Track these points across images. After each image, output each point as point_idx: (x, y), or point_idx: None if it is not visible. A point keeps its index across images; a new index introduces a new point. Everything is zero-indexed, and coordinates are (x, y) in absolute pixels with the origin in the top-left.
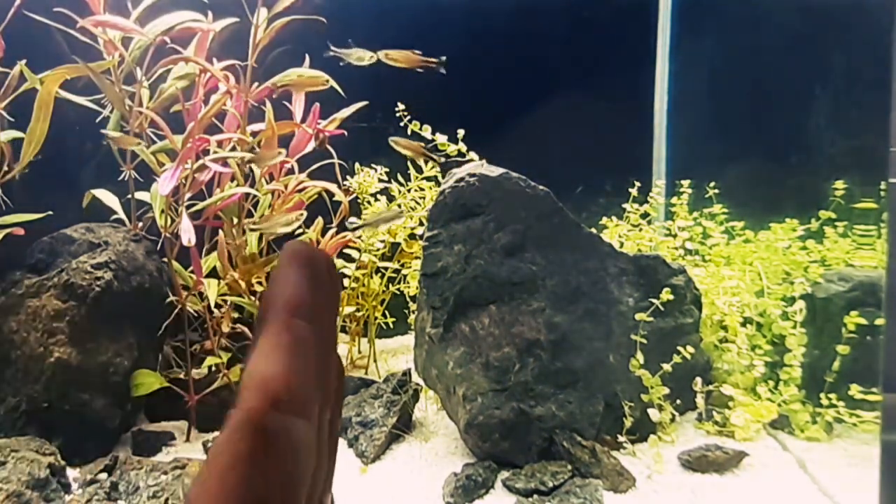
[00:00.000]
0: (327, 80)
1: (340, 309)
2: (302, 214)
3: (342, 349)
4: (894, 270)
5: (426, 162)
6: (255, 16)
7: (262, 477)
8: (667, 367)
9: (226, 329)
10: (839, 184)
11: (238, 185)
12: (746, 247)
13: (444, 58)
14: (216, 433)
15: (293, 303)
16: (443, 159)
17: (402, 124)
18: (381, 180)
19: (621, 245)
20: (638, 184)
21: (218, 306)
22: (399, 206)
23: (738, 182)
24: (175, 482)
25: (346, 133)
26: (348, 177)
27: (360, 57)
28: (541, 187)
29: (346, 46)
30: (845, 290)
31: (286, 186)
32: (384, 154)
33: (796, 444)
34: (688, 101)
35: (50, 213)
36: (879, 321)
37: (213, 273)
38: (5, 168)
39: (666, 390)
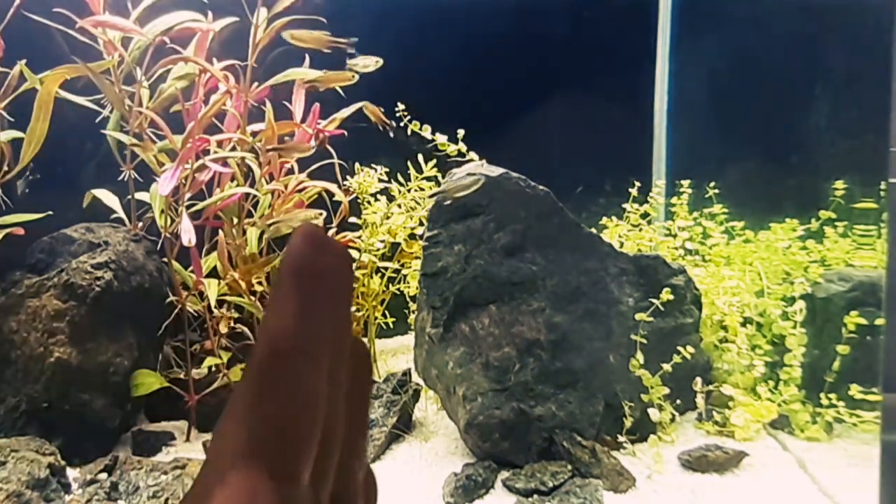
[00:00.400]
0: (353, 76)
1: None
2: (321, 214)
3: None
4: (894, 270)
5: (426, 161)
6: (255, 16)
7: (267, 419)
8: (667, 367)
9: (223, 329)
10: (839, 184)
11: (238, 185)
12: (746, 247)
13: (354, 38)
14: None
15: (295, 265)
16: (393, 123)
17: (402, 124)
18: (381, 180)
19: (621, 245)
20: (638, 184)
21: (218, 305)
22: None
23: (738, 182)
24: (175, 482)
25: (346, 133)
26: (348, 177)
27: (367, 64)
28: (541, 187)
29: (349, 55)
30: (845, 290)
31: (286, 186)
32: (384, 154)
33: (796, 444)
34: (688, 101)
35: (50, 213)
36: (879, 321)
37: (213, 273)
38: (5, 168)
39: (666, 390)
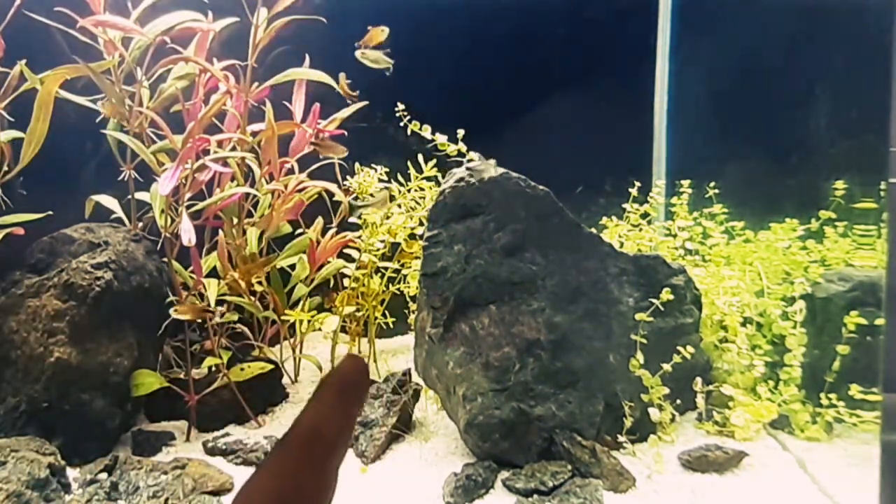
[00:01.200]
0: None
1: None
2: (395, 197)
3: (342, 349)
4: (894, 270)
5: (426, 161)
6: (255, 16)
7: (295, 489)
8: (667, 367)
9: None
10: (839, 184)
11: (238, 185)
12: (746, 247)
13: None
14: (216, 433)
15: (346, 382)
16: (357, 94)
17: (401, 124)
18: (380, 180)
19: (621, 245)
20: (638, 184)
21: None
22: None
23: (738, 182)
24: (175, 482)
25: (346, 133)
26: (348, 177)
27: (377, 59)
28: (541, 187)
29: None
30: (845, 290)
31: (286, 186)
32: (384, 154)
33: (796, 444)
34: (688, 101)
35: (50, 213)
36: (879, 321)
37: (213, 273)
38: (5, 168)
39: (666, 390)
